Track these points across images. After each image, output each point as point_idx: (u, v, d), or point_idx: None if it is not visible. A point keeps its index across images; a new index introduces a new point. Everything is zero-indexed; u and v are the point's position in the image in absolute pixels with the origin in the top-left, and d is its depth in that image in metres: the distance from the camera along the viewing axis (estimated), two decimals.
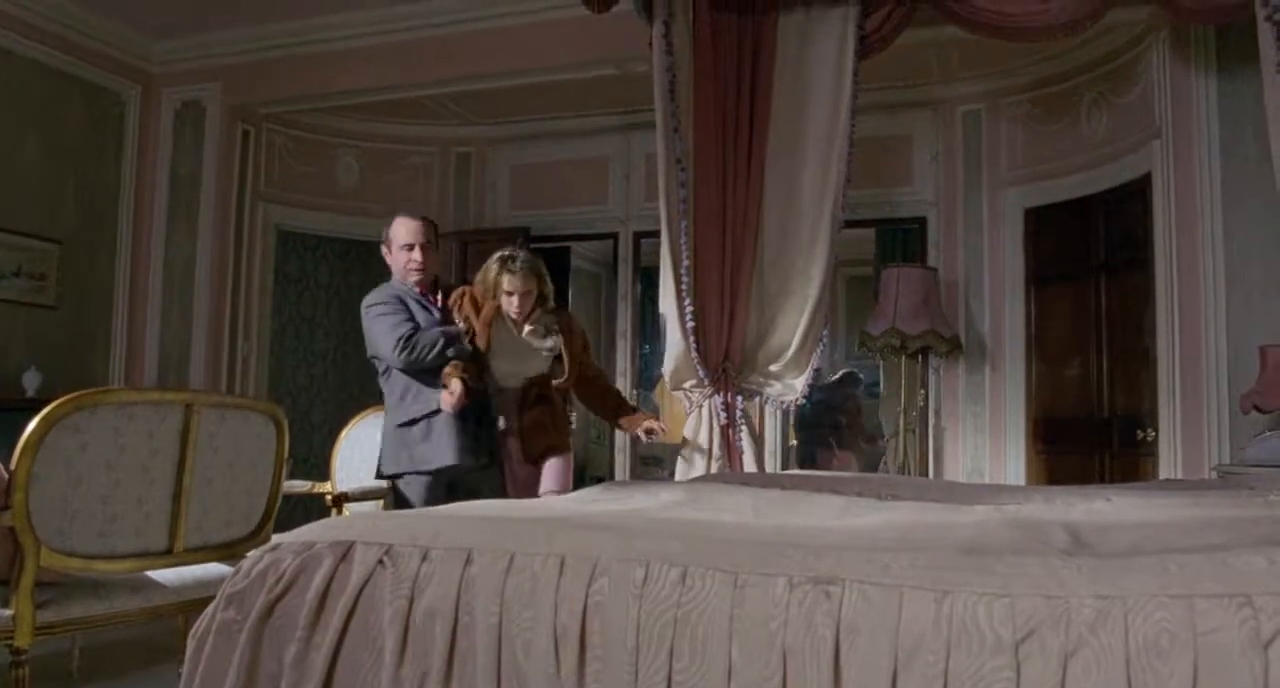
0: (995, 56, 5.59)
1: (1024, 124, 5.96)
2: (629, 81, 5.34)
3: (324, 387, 7.52)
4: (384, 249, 4.06)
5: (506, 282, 3.85)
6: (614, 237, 6.83)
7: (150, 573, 2.90)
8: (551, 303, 4.02)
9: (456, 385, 3.67)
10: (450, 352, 3.79)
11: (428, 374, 3.80)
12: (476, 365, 3.85)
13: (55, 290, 5.97)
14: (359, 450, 4.84)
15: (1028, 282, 5.93)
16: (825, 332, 4.43)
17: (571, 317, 4.13)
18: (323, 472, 5.76)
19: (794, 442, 7.07)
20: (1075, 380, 5.71)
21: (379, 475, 4.00)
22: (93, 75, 6.16)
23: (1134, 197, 5.27)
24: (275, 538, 1.54)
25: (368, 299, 3.96)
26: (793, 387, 4.31)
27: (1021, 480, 5.68)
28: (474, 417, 3.83)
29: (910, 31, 4.36)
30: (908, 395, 5.87)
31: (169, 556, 2.87)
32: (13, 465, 2.50)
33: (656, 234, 4.24)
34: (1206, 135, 4.74)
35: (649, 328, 7.24)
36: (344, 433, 5.07)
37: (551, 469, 3.88)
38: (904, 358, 5.80)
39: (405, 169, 7.05)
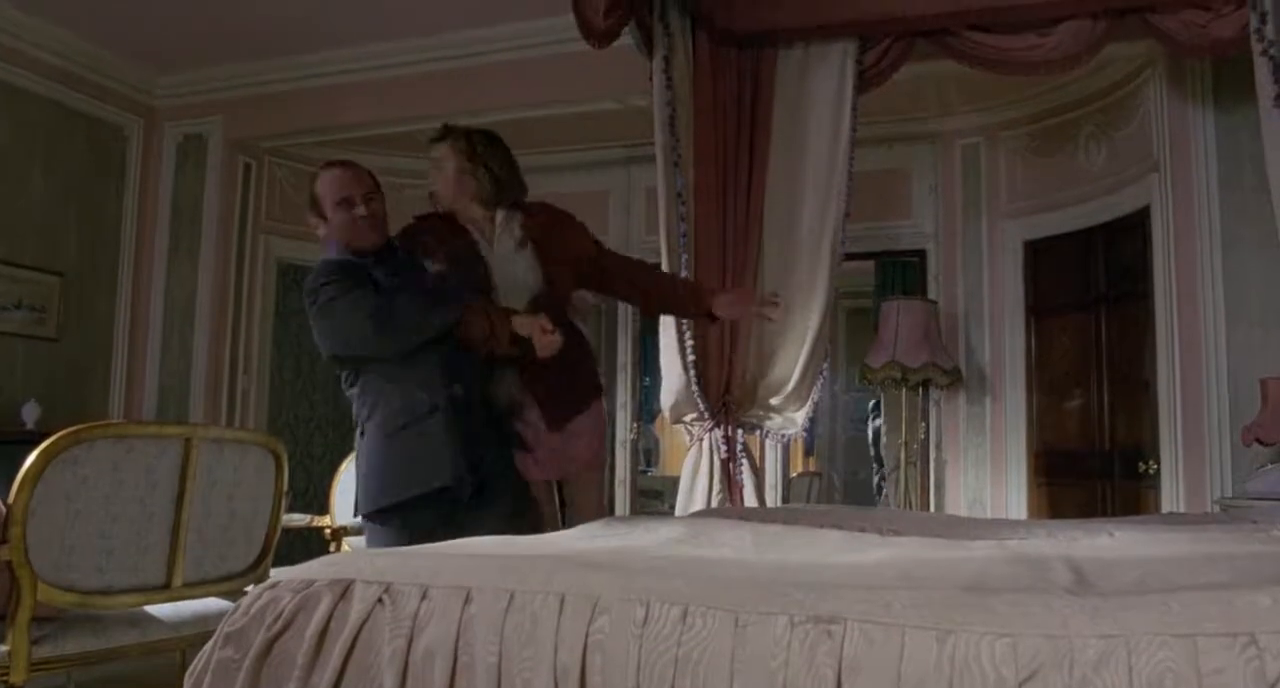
0: (993, 90, 5.62)
1: (1023, 157, 5.98)
2: (630, 115, 5.37)
3: (324, 419, 7.50)
4: (312, 220, 3.07)
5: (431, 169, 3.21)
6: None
7: (148, 608, 2.89)
8: (512, 195, 3.26)
9: (542, 319, 2.88)
10: (445, 314, 2.88)
11: (424, 365, 2.89)
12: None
13: (56, 323, 5.97)
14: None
15: (1028, 314, 5.93)
16: (825, 364, 4.42)
17: (549, 209, 3.35)
18: (322, 505, 5.74)
19: (794, 474, 7.05)
20: (1076, 412, 5.71)
21: (361, 513, 3.04)
22: (96, 109, 6.19)
23: (1133, 229, 5.29)
24: (274, 574, 1.53)
25: (306, 285, 3.00)
26: (793, 420, 4.30)
27: (1023, 513, 5.66)
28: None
29: (908, 66, 4.39)
30: (908, 428, 5.86)
31: (167, 590, 2.85)
32: (11, 499, 2.49)
33: (658, 266, 4.25)
34: (1204, 168, 4.76)
35: (649, 360, 7.24)
36: (343, 465, 5.06)
37: (581, 438, 3.18)
38: (905, 390, 5.79)
39: (407, 202, 7.05)
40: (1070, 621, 1.11)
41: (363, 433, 3.02)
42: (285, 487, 3.26)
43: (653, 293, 3.49)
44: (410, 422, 2.90)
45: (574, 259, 3.27)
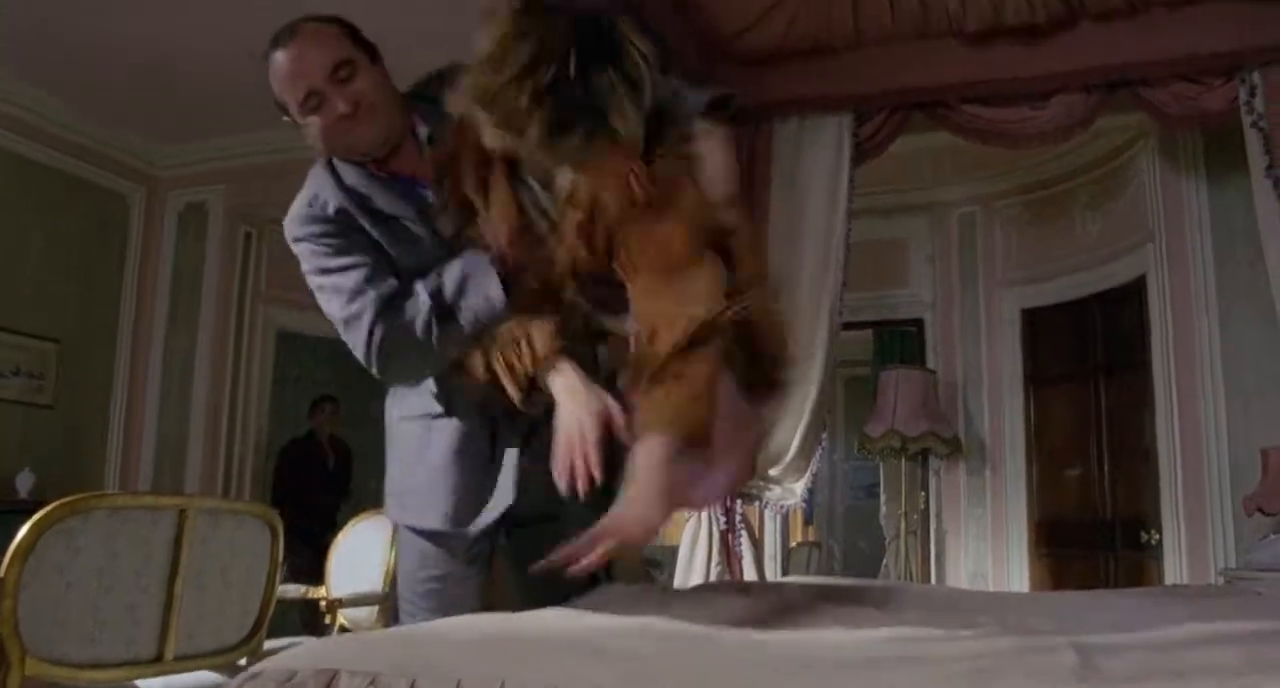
0: (988, 161, 5.68)
1: (1018, 226, 6.03)
2: None
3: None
4: (305, 138, 2.13)
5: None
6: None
7: (139, 682, 2.84)
8: None
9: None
10: (473, 316, 1.96)
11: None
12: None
13: (53, 390, 5.96)
14: (354, 554, 4.78)
15: (1026, 383, 5.93)
16: (824, 434, 4.41)
17: None
18: (318, 575, 5.68)
19: (794, 544, 6.99)
20: (1077, 482, 5.68)
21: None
22: (98, 177, 6.25)
23: (1130, 298, 5.31)
24: (268, 646, 1.50)
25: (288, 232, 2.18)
26: (792, 491, 4.28)
27: (1025, 585, 5.61)
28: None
29: (904, 137, 4.44)
30: (908, 498, 5.83)
31: (158, 664, 2.80)
32: (2, 572, 2.46)
33: None
34: (1199, 239, 4.81)
35: None
36: (339, 536, 5.01)
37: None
38: (904, 460, 5.77)
39: None
40: None
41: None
42: (281, 558, 3.23)
43: None
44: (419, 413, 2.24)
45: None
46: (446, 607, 2.13)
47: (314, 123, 2.08)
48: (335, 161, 2.15)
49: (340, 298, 2.06)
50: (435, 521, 2.17)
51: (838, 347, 4.42)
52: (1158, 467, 4.94)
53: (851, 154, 4.32)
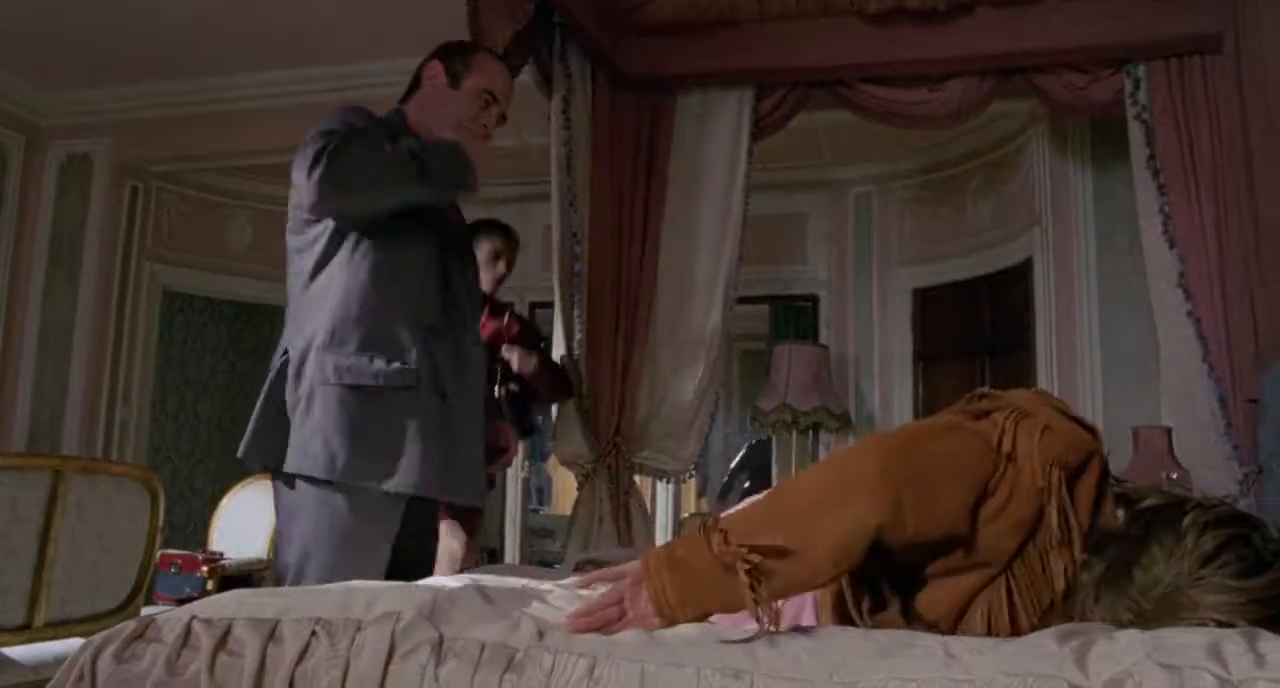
0: (887, 141, 5.77)
1: (913, 207, 6.15)
2: (528, 153, 5.37)
3: (208, 453, 7.29)
4: (436, 70, 2.52)
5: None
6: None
7: (4, 650, 2.75)
8: None
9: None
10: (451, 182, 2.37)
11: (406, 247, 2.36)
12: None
13: None
14: (239, 520, 4.70)
15: (916, 360, 6.06)
16: (717, 404, 4.46)
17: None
18: (201, 540, 5.57)
19: (685, 515, 7.06)
20: None
21: (271, 469, 2.38)
22: None
23: (1017, 280, 5.46)
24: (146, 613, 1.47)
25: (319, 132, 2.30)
26: (683, 460, 4.32)
27: None
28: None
29: (804, 114, 4.48)
30: (799, 470, 5.92)
31: (26, 631, 2.72)
32: None
33: (551, 305, 4.24)
34: (1083, 225, 4.96)
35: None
36: (224, 501, 4.92)
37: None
38: (795, 433, 5.86)
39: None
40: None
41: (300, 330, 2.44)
42: (161, 522, 3.15)
43: None
44: (379, 382, 2.39)
45: None
46: (364, 570, 2.17)
47: (469, 104, 2.48)
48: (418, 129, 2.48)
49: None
50: (407, 484, 2.31)
51: (734, 320, 4.46)
52: None
53: (751, 129, 4.35)
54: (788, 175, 6.09)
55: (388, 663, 1.19)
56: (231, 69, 5.77)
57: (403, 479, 2.31)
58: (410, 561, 2.40)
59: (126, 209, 6.31)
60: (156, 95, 6.03)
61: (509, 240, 4.13)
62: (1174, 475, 3.93)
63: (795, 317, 6.80)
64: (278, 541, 2.42)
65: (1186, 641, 1.10)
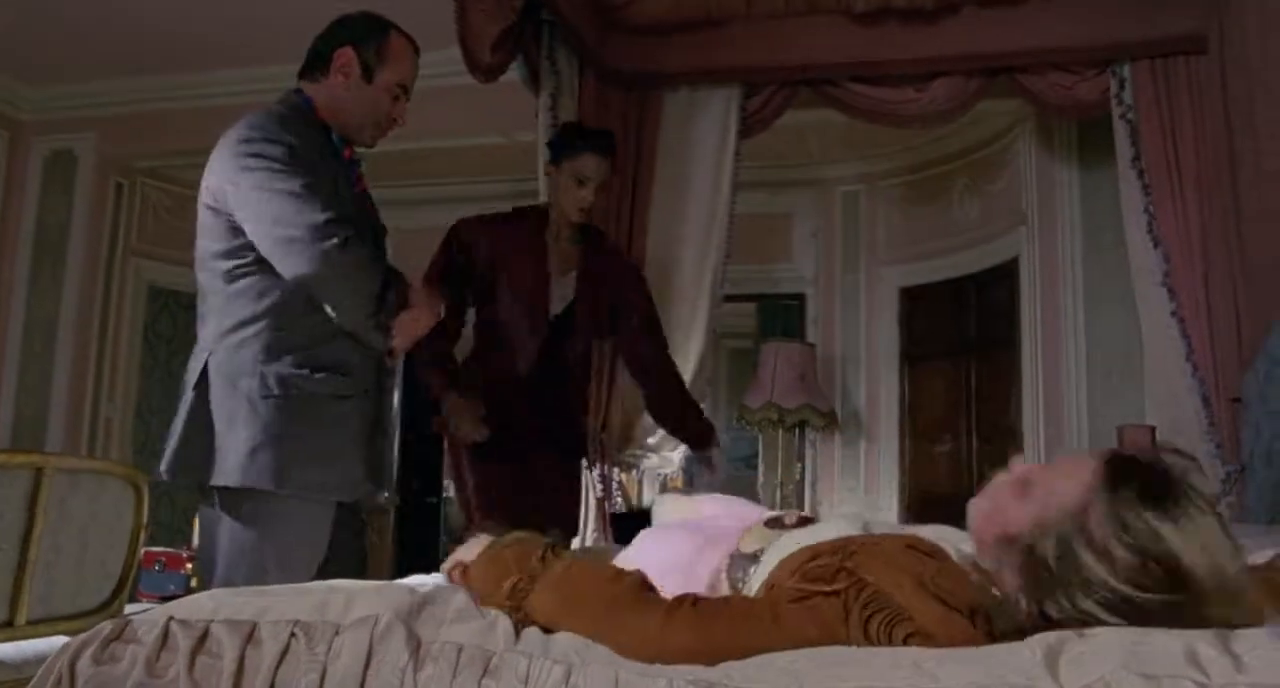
0: (873, 140, 5.78)
1: (900, 206, 6.16)
2: (516, 150, 5.36)
3: None
4: (346, 58, 2.44)
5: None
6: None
7: None
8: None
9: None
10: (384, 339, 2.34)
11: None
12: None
13: None
14: None
15: (902, 359, 6.08)
16: (704, 404, 4.45)
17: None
18: (185, 537, 5.55)
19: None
20: (947, 457, 5.85)
21: (211, 482, 2.32)
22: None
23: (1003, 279, 5.48)
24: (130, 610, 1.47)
25: (241, 132, 2.37)
26: (669, 459, 4.32)
27: None
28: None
29: (791, 113, 4.49)
30: (784, 469, 5.93)
31: (9, 629, 2.70)
32: None
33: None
34: (1069, 224, 4.98)
35: None
36: None
37: None
38: (781, 431, 5.87)
39: None
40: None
41: (228, 346, 2.39)
42: (145, 520, 3.13)
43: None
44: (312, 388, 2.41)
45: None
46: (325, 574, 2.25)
47: (381, 96, 2.45)
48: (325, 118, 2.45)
49: (318, 200, 2.22)
50: (350, 492, 2.39)
51: (721, 319, 4.47)
52: (1022, 444, 5.12)
53: (738, 127, 4.35)
54: (775, 174, 6.09)
55: (366, 667, 1.18)
56: (216, 64, 5.75)
57: (347, 488, 2.38)
58: (342, 557, 2.46)
59: (111, 205, 6.28)
60: (141, 91, 6.01)
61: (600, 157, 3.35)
62: None
63: (782, 315, 6.81)
64: (205, 556, 2.42)
65: (1162, 647, 1.10)
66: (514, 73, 4.05)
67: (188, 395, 2.35)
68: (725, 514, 1.93)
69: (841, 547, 1.29)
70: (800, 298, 6.38)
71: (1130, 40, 3.97)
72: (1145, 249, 3.94)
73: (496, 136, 5.57)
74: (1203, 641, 1.10)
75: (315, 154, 2.34)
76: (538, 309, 3.27)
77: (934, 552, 1.29)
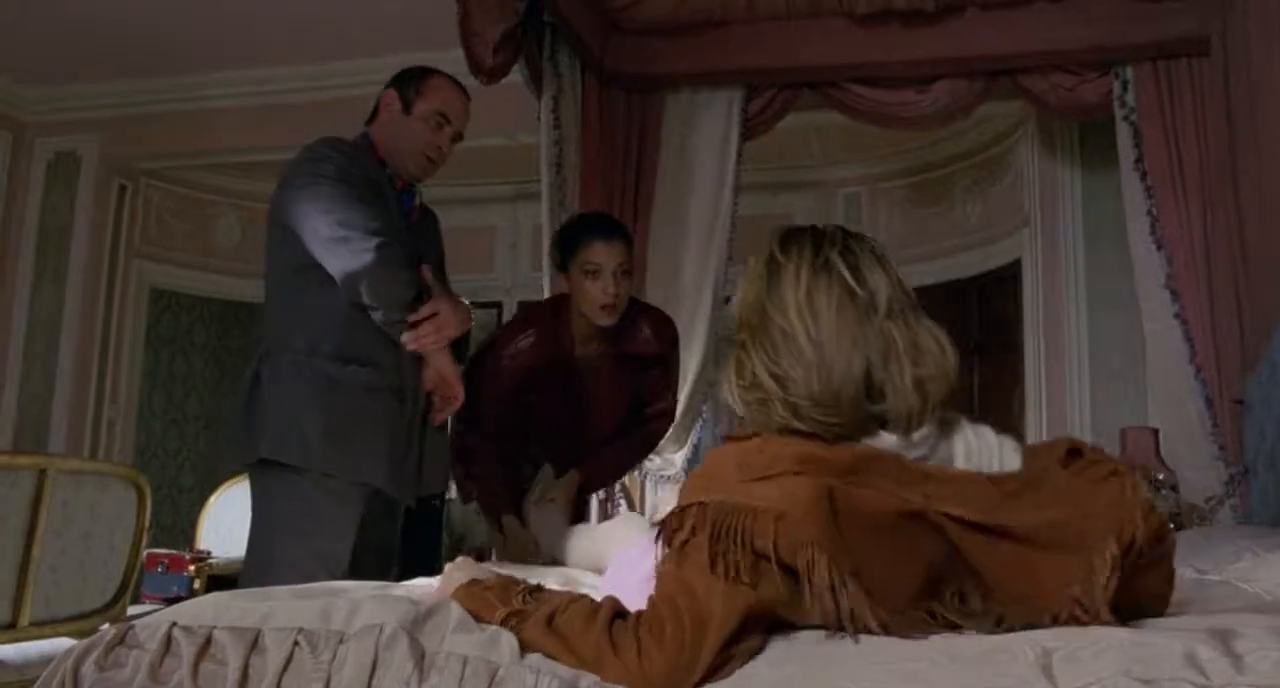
0: (874, 142, 5.77)
1: (902, 208, 6.15)
2: (518, 152, 5.36)
3: (194, 451, 7.26)
4: (391, 97, 2.67)
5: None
6: (499, 305, 6.81)
7: None
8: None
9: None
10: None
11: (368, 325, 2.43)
12: None
13: None
14: (226, 519, 4.69)
15: None
16: (706, 407, 4.46)
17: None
18: (188, 539, 5.55)
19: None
20: None
21: (250, 459, 2.47)
22: None
23: (1005, 281, 5.47)
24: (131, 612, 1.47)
25: (306, 152, 2.55)
26: (672, 462, 4.32)
27: None
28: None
29: (793, 115, 4.49)
30: None
31: (12, 630, 2.71)
32: None
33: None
34: (1071, 226, 4.98)
35: None
36: (212, 499, 4.91)
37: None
38: None
39: None
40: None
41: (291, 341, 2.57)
42: (148, 522, 3.14)
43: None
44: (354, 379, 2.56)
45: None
46: (326, 554, 2.39)
47: (424, 127, 2.62)
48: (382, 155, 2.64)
49: (369, 209, 2.42)
50: (377, 477, 2.47)
51: (723, 320, 4.46)
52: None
53: (740, 129, 4.36)
54: (777, 175, 6.09)
55: (371, 677, 1.19)
56: (219, 66, 5.75)
57: (367, 471, 2.45)
58: (370, 553, 2.54)
59: (114, 207, 6.29)
60: (144, 92, 6.01)
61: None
62: (1161, 476, 3.94)
63: None
64: (251, 525, 2.53)
65: (1161, 650, 1.09)
66: (516, 74, 4.05)
67: (248, 388, 2.52)
68: None
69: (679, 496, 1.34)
70: None
71: (1133, 42, 3.96)
72: (1148, 251, 3.94)
73: (499, 138, 5.57)
74: (1202, 643, 1.10)
75: (366, 178, 2.54)
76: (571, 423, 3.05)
77: (737, 443, 1.36)
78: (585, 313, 2.88)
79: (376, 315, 2.40)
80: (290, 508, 2.42)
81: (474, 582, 1.41)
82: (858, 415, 1.33)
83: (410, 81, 2.68)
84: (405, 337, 2.41)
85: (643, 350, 3.02)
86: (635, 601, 1.31)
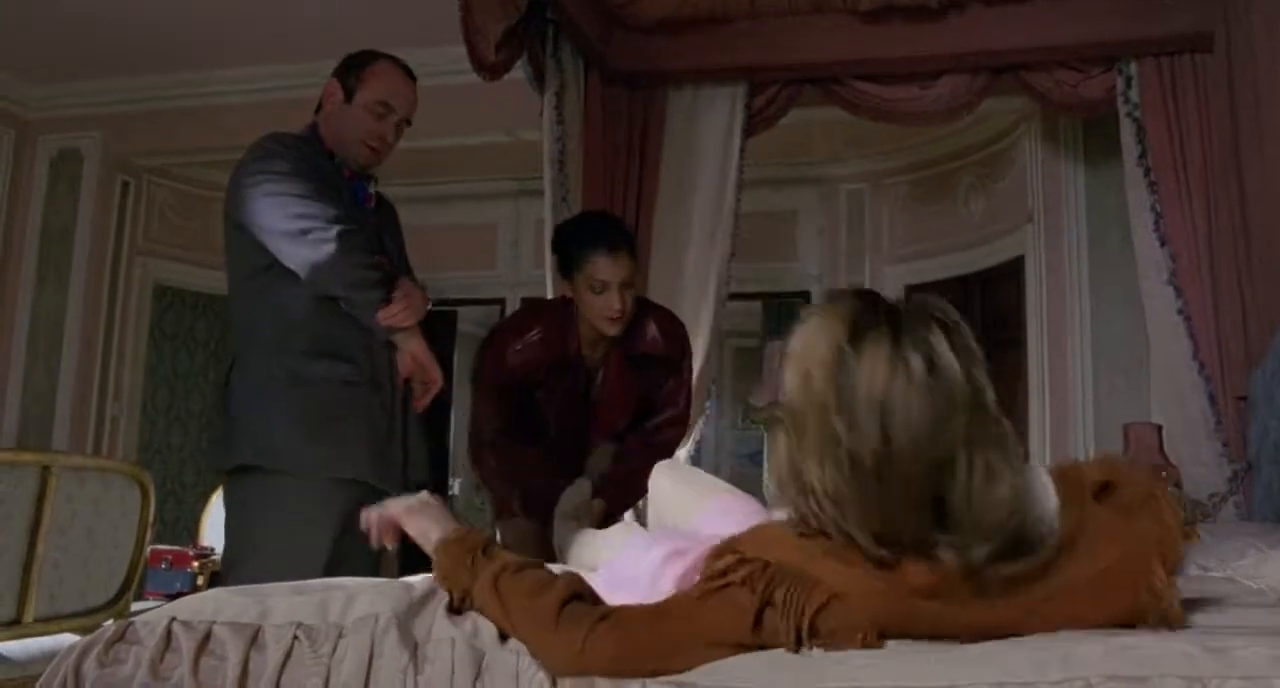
0: (878, 138, 5.77)
1: (905, 204, 6.14)
2: (520, 148, 5.37)
3: (199, 448, 7.27)
4: (333, 86, 2.61)
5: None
6: (501, 302, 6.81)
7: None
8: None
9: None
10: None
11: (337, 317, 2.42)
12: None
13: None
14: None
15: None
16: (710, 403, 4.46)
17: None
18: (192, 535, 5.57)
19: None
20: None
21: (225, 467, 2.49)
22: None
23: (1008, 277, 5.47)
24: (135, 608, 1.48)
25: (254, 150, 2.51)
26: (676, 456, 4.32)
27: None
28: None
29: (796, 111, 4.48)
30: None
31: (16, 627, 2.71)
32: None
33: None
34: (1075, 222, 4.97)
35: None
36: (215, 496, 4.92)
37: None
38: None
39: None
40: None
41: (252, 348, 2.58)
42: (151, 518, 3.14)
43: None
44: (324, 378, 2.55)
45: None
46: (305, 558, 2.31)
47: (365, 116, 2.56)
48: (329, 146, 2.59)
49: (326, 200, 2.39)
50: (358, 471, 2.43)
51: (728, 316, 4.47)
52: (1029, 442, 5.11)
53: (743, 125, 4.35)
54: (780, 172, 6.08)
55: (369, 670, 1.19)
56: (223, 63, 5.75)
57: (347, 466, 2.43)
58: (358, 549, 2.36)
59: (117, 204, 6.29)
60: (147, 89, 6.01)
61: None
62: (1164, 472, 3.93)
63: (787, 313, 6.80)
64: (226, 534, 2.54)
65: (1151, 649, 1.09)
66: (518, 71, 4.04)
67: (220, 396, 2.55)
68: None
69: (727, 546, 1.30)
70: (806, 296, 6.37)
71: (1137, 38, 3.95)
72: (1151, 247, 3.93)
73: (501, 134, 5.57)
74: (1191, 640, 1.10)
75: (316, 170, 2.50)
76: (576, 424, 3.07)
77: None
78: (591, 321, 2.89)
79: (346, 303, 2.39)
80: (271, 515, 2.40)
81: (446, 535, 1.42)
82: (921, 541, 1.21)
83: (351, 69, 2.63)
84: (380, 313, 2.38)
85: (650, 350, 3.01)
86: (641, 587, 1.31)
